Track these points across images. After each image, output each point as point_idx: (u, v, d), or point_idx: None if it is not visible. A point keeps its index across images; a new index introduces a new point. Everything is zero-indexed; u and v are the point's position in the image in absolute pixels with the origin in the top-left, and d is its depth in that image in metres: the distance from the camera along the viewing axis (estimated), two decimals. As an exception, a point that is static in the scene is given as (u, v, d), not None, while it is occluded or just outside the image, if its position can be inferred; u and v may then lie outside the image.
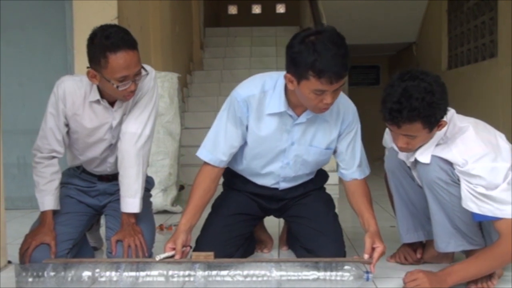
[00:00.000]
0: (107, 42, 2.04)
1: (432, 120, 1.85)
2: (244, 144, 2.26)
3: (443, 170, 1.92)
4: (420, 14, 8.71)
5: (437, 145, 1.97)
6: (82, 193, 2.42)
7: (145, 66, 2.21)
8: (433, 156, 1.95)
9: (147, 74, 2.20)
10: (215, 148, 2.22)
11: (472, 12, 6.93)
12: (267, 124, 2.19)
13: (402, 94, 1.83)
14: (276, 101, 2.15)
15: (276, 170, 2.31)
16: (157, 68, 2.42)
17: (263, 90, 2.17)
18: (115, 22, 3.91)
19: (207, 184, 2.23)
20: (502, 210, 1.84)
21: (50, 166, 2.27)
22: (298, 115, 2.17)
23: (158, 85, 2.40)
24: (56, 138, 2.25)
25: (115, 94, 2.15)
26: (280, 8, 13.44)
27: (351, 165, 2.27)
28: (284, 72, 2.04)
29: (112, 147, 2.34)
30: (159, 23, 5.52)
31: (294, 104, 2.14)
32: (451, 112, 1.99)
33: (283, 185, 2.37)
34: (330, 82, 1.91)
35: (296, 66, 1.95)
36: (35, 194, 2.26)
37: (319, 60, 1.88)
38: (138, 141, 2.26)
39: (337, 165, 2.35)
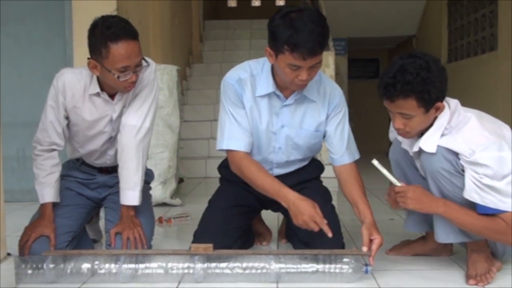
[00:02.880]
0: (108, 32, 2.04)
1: (426, 97, 1.86)
2: None
3: (447, 160, 1.91)
4: (420, 7, 8.69)
5: (442, 135, 1.95)
6: (82, 186, 2.42)
7: (146, 58, 2.21)
8: (438, 146, 1.93)
9: (148, 65, 2.20)
10: (239, 134, 2.22)
11: (472, 5, 6.92)
12: (259, 107, 2.23)
13: (398, 70, 1.87)
14: (264, 83, 2.20)
15: (269, 156, 2.32)
16: (156, 61, 2.40)
17: (252, 74, 2.23)
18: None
19: (256, 163, 2.23)
20: (505, 203, 1.84)
21: (50, 159, 2.27)
22: (286, 98, 2.22)
23: (158, 78, 2.40)
24: (56, 131, 2.25)
25: (116, 85, 2.14)
26: (280, 1, 13.39)
27: (340, 148, 2.28)
28: None
29: (112, 140, 2.34)
30: (159, 16, 5.51)
31: (282, 87, 2.20)
32: (455, 102, 1.99)
33: (277, 171, 2.37)
34: (303, 58, 1.96)
35: (274, 40, 2.01)
36: (34, 186, 2.26)
37: (294, 35, 1.94)
38: (138, 134, 2.26)
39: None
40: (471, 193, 1.87)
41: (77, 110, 2.25)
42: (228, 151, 2.25)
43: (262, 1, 13.43)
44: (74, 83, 2.22)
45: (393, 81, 1.86)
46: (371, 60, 12.67)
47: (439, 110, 1.92)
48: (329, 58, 5.73)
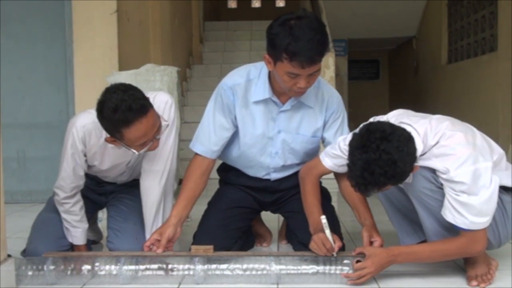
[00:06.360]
0: (116, 116, 1.90)
1: (400, 181, 1.83)
2: (235, 134, 2.28)
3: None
4: (421, 8, 8.70)
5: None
6: (89, 189, 2.41)
7: (163, 116, 2.09)
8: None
9: (168, 125, 2.10)
10: (206, 139, 2.25)
11: (473, 6, 6.93)
12: (253, 112, 2.22)
13: (364, 168, 1.76)
14: (261, 89, 2.19)
15: (265, 160, 2.32)
16: (156, 62, 2.39)
17: (248, 79, 2.21)
18: (114, 16, 3.89)
19: (197, 175, 2.25)
20: (476, 223, 1.84)
21: (77, 203, 2.27)
22: (283, 103, 2.20)
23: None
24: (79, 175, 2.22)
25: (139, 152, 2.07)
26: (280, 2, 13.40)
27: None
28: None
29: (125, 174, 2.35)
30: (159, 16, 5.50)
31: (279, 92, 2.18)
32: (423, 126, 1.92)
33: (274, 176, 2.38)
34: (302, 66, 1.94)
35: (273, 48, 1.98)
36: (66, 227, 2.27)
37: (293, 43, 1.91)
38: (161, 179, 2.24)
39: None
40: (446, 211, 1.88)
41: (96, 155, 2.21)
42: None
43: (262, 2, 13.44)
44: (95, 132, 2.14)
45: (363, 181, 1.78)
46: (371, 61, 12.70)
47: (416, 169, 1.86)
48: (329, 59, 5.73)
